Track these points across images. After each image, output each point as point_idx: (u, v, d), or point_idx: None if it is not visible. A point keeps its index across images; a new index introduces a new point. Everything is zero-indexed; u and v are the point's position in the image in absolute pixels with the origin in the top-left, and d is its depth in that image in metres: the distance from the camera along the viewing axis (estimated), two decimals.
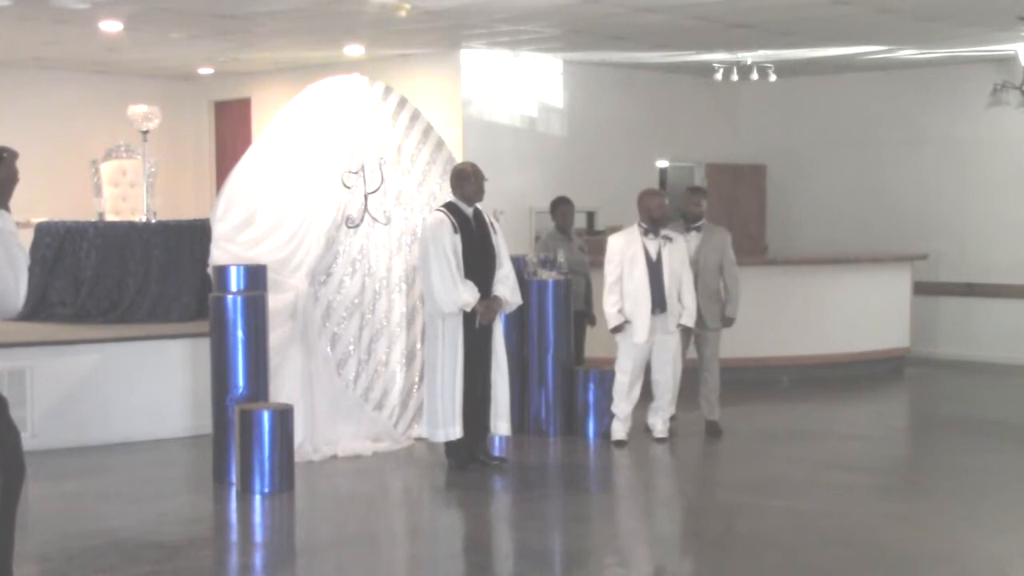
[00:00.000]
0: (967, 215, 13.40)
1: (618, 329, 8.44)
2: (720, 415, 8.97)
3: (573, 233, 10.03)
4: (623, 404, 8.54)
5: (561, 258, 9.16)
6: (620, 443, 8.51)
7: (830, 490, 7.38)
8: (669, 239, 8.49)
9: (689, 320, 8.54)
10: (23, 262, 3.95)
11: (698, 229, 8.89)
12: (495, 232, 7.88)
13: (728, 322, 9.00)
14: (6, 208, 4.01)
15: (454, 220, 7.65)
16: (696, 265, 8.71)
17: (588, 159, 13.30)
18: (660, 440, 8.61)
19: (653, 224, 8.47)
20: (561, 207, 9.94)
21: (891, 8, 9.97)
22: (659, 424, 8.68)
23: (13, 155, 4.04)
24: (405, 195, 8.90)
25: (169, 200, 13.14)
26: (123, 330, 9.12)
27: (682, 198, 9.22)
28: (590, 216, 13.24)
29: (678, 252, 8.50)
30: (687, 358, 8.86)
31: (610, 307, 8.44)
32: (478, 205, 7.84)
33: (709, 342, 8.92)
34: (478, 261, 7.68)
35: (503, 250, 7.88)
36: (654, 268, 8.39)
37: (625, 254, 8.44)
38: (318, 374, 8.25)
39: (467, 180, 7.78)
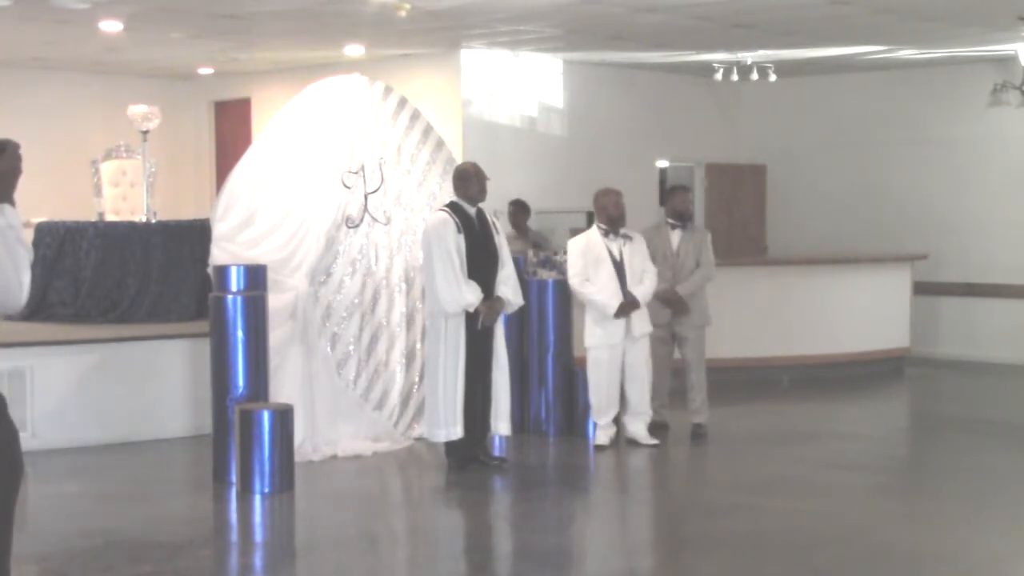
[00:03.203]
0: (967, 215, 13.40)
1: (625, 309, 8.22)
2: (708, 417, 8.88)
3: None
4: (604, 412, 8.45)
5: (561, 258, 9.16)
6: (601, 447, 8.41)
7: (830, 490, 7.38)
8: (629, 238, 8.43)
9: (641, 297, 8.30)
10: (26, 258, 3.91)
11: (683, 227, 8.87)
12: (497, 232, 7.87)
13: (671, 295, 8.65)
14: (10, 202, 3.96)
15: (457, 220, 7.65)
16: (676, 262, 8.68)
17: (588, 159, 13.29)
18: (651, 447, 8.48)
19: (611, 224, 8.41)
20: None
21: (891, 8, 9.97)
22: (642, 430, 8.51)
23: (15, 146, 3.98)
24: (405, 195, 8.90)
25: (169, 200, 13.14)
26: (123, 330, 9.11)
27: (674, 197, 9.15)
28: (589, 216, 13.19)
29: (639, 251, 8.44)
30: (673, 358, 8.81)
31: (596, 294, 8.28)
32: (480, 205, 7.84)
33: (690, 343, 8.85)
34: (481, 262, 7.68)
35: (505, 250, 7.87)
36: (619, 269, 8.35)
37: (588, 256, 8.37)
38: (318, 374, 8.25)
39: (470, 180, 7.77)
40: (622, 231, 8.44)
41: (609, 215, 8.42)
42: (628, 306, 8.30)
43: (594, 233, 8.48)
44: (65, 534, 6.29)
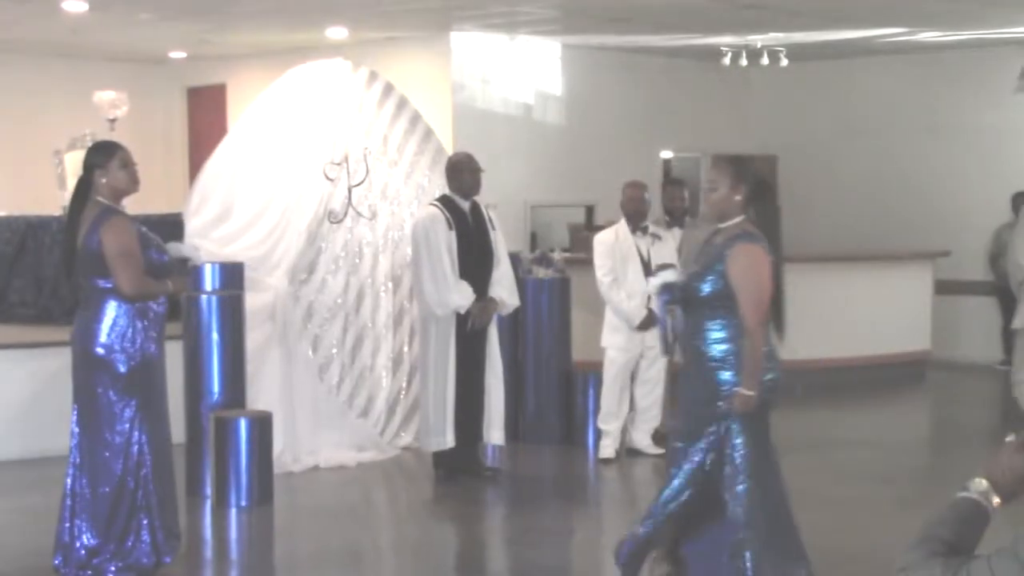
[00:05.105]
0: (992, 208, 13.40)
1: (647, 324, 8.22)
2: None
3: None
4: (612, 420, 8.46)
5: (558, 255, 9.18)
6: (607, 461, 8.41)
7: (847, 504, 7.39)
8: (658, 237, 8.45)
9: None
10: None
11: (681, 225, 8.87)
12: (493, 228, 7.87)
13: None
14: None
15: (449, 216, 7.65)
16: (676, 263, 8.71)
17: (587, 150, 13.31)
18: (656, 456, 8.46)
19: (629, 220, 8.36)
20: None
21: None
22: (645, 439, 8.54)
23: None
24: (391, 188, 8.92)
25: (138, 193, 13.10)
26: None
27: (663, 192, 9.16)
28: (589, 210, 13.25)
29: (667, 253, 8.44)
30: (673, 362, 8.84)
31: (624, 303, 8.27)
32: (475, 199, 7.84)
33: None
34: (475, 260, 7.67)
35: (501, 248, 7.87)
36: (647, 269, 8.34)
37: (616, 254, 8.37)
38: (299, 379, 8.26)
39: (462, 172, 7.77)
40: (651, 230, 8.45)
41: (625, 210, 8.42)
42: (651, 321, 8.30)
43: (623, 228, 8.45)
44: (25, 551, 6.29)
